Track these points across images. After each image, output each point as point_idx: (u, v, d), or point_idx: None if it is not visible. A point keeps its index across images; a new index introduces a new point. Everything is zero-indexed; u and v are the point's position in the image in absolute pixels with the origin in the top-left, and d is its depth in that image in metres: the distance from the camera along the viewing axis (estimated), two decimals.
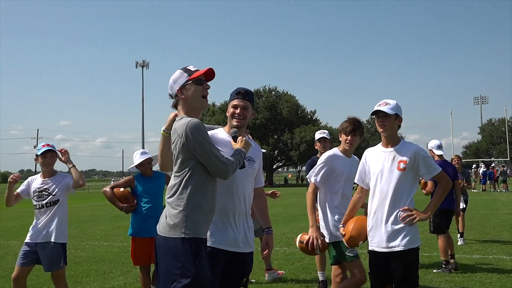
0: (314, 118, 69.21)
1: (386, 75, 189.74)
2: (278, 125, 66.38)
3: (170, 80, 3.16)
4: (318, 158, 5.65)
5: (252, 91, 3.59)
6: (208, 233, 3.17)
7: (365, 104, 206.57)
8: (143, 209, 5.55)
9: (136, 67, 67.37)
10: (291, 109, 64.93)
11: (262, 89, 68.03)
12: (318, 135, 6.65)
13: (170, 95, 3.19)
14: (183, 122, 2.96)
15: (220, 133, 3.52)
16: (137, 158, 5.64)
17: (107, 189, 5.78)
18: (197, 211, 2.92)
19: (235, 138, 3.33)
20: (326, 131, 6.71)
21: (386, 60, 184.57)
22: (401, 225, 3.71)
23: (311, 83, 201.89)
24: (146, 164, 5.62)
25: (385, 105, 3.80)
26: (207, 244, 3.13)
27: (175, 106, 3.18)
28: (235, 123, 3.43)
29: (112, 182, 54.35)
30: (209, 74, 3.18)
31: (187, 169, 2.94)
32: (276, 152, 66.88)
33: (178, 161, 2.97)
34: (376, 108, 3.81)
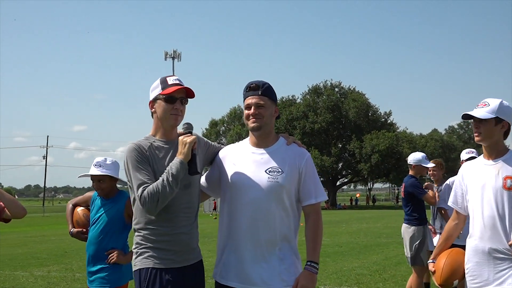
0: (389, 121, 68.34)
1: (486, 68, 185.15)
2: (343, 130, 65.96)
3: (150, 88, 3.45)
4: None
5: (269, 84, 3.48)
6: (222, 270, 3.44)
7: (456, 103, 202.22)
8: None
9: (166, 59, 68.53)
10: (359, 110, 64.39)
11: (323, 85, 67.91)
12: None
13: None
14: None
15: (240, 144, 3.58)
16: (91, 169, 4.95)
17: (70, 203, 5.41)
18: (145, 241, 3.35)
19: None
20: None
21: (487, 51, 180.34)
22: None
23: (385, 78, 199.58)
24: (95, 182, 4.89)
25: (483, 107, 3.71)
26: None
27: (152, 116, 3.49)
28: (251, 126, 3.42)
29: None
30: (188, 93, 3.42)
31: (132, 198, 3.36)
32: (340, 164, 66.38)
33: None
34: (470, 112, 3.73)
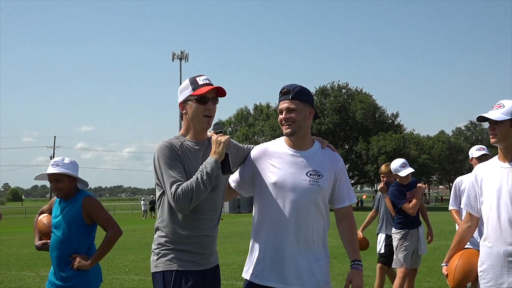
0: (396, 123, 68.22)
1: (494, 70, 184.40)
2: (350, 132, 65.90)
3: (178, 90, 3.48)
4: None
5: (306, 87, 3.55)
6: (254, 271, 3.47)
7: (464, 104, 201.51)
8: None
9: (173, 60, 68.56)
10: (366, 112, 64.32)
11: (330, 86, 67.89)
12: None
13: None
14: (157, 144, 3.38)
15: (275, 145, 3.61)
16: (48, 168, 4.66)
17: (38, 215, 5.11)
18: (169, 242, 3.34)
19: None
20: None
21: (496, 52, 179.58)
22: None
23: (392, 79, 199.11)
24: (53, 182, 4.59)
25: (498, 108, 3.69)
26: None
27: (181, 117, 3.51)
28: (285, 131, 3.48)
29: (142, 201, 53.96)
30: (220, 91, 3.44)
31: (158, 196, 3.40)
32: (347, 166, 66.25)
33: (156, 187, 3.41)
34: (485, 114, 3.71)
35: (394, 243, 7.75)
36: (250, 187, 3.67)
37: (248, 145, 3.78)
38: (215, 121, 3.53)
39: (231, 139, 3.58)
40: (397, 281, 7.67)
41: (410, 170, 7.60)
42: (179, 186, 3.17)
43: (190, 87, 3.39)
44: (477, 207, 3.85)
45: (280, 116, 3.47)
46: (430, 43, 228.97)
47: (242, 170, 3.70)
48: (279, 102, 3.50)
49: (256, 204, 3.63)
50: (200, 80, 3.41)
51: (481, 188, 3.79)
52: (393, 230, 7.81)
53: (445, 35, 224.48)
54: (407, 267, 7.58)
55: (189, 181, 3.19)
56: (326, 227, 3.57)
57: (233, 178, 3.72)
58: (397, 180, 7.73)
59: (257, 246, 3.53)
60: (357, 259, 3.51)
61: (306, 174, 3.43)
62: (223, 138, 3.31)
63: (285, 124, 3.46)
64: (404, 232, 7.62)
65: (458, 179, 6.82)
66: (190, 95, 3.38)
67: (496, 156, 3.83)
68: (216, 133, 3.40)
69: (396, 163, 7.75)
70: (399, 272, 7.64)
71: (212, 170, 3.21)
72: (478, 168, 3.88)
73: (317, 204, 3.46)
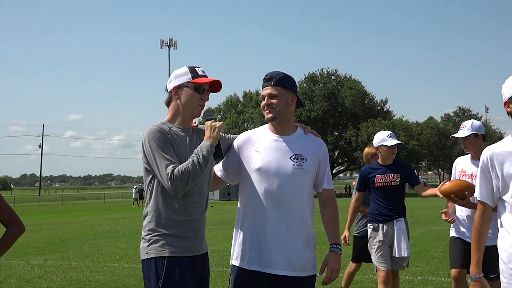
0: (385, 109, 68.40)
1: (483, 56, 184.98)
2: (339, 119, 66.05)
3: (172, 74, 3.51)
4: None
5: (290, 75, 3.59)
6: (241, 254, 3.53)
7: (452, 91, 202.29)
8: None
9: (162, 47, 68.45)
10: (355, 98, 64.47)
11: (319, 73, 67.88)
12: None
13: (166, 89, 3.55)
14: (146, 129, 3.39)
15: (259, 132, 3.67)
16: None
17: None
18: (160, 227, 3.34)
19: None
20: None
21: (484, 39, 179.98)
22: None
23: (381, 66, 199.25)
24: None
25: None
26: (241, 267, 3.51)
27: (167, 103, 3.54)
28: (266, 116, 3.55)
29: (134, 189, 53.78)
30: (215, 86, 3.52)
31: (148, 181, 3.40)
32: (336, 152, 66.54)
33: (143, 173, 3.42)
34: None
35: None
36: (236, 175, 3.72)
37: (231, 135, 3.83)
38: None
39: None
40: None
41: (396, 141, 6.22)
42: (175, 168, 3.20)
43: (189, 74, 3.43)
44: (494, 197, 3.39)
45: (263, 102, 3.54)
46: (419, 29, 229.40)
47: (227, 159, 3.73)
48: (262, 89, 3.57)
49: (241, 191, 3.68)
50: (199, 71, 3.46)
51: (499, 173, 3.32)
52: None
53: (434, 20, 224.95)
54: (386, 269, 6.09)
55: (185, 163, 3.24)
56: (312, 211, 3.62)
57: (219, 167, 3.76)
58: (378, 160, 6.35)
59: (243, 232, 3.57)
60: (336, 242, 3.58)
61: (290, 158, 3.49)
62: (218, 123, 3.40)
63: (266, 110, 3.53)
64: (374, 226, 6.24)
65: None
66: (188, 81, 3.42)
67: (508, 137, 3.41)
68: (207, 120, 3.47)
69: (382, 134, 6.37)
70: (378, 276, 6.25)
71: (208, 153, 3.29)
72: (489, 151, 3.39)
73: (302, 187, 3.51)
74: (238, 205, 3.70)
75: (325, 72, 67.89)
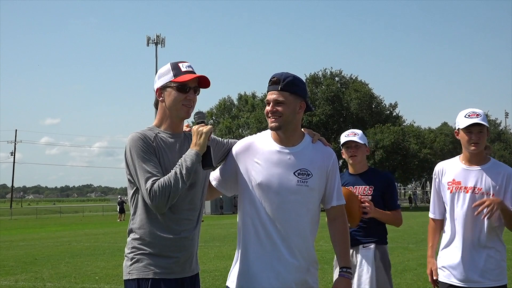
0: (394, 114, 68.55)
1: (501, 57, 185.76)
2: (344, 124, 66.00)
3: (157, 74, 3.47)
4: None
5: (298, 76, 3.50)
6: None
7: (469, 94, 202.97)
8: None
9: (148, 45, 68.54)
10: (362, 102, 64.58)
11: (322, 73, 68.01)
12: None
13: (154, 89, 3.51)
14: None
15: (260, 139, 3.58)
16: None
17: None
18: (144, 246, 3.29)
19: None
20: (359, 132, 5.36)
21: (503, 38, 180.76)
22: None
23: (391, 66, 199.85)
24: None
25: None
26: None
27: (155, 105, 3.51)
28: (269, 125, 3.46)
29: (119, 199, 53.51)
30: (202, 82, 3.45)
31: (131, 194, 3.36)
32: (340, 161, 66.41)
33: (127, 185, 3.40)
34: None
35: None
36: (233, 186, 3.66)
37: (229, 140, 3.78)
38: (195, 111, 3.51)
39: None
40: None
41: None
42: (155, 182, 3.14)
43: (171, 72, 3.38)
44: None
45: (267, 108, 3.44)
46: (432, 26, 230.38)
47: (223, 168, 3.68)
48: (267, 92, 3.47)
49: (240, 206, 3.61)
50: (183, 67, 3.40)
51: None
52: None
53: (449, 17, 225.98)
54: None
55: (166, 176, 3.16)
56: (315, 230, 3.57)
57: (214, 176, 3.70)
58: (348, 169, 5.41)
59: (241, 254, 3.52)
60: (346, 265, 3.52)
61: (294, 173, 3.42)
62: (205, 128, 3.29)
63: (271, 117, 3.43)
64: None
65: None
66: (170, 81, 3.37)
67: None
68: (198, 123, 3.38)
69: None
70: None
71: (193, 163, 3.19)
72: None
73: (307, 207, 3.45)
74: (237, 219, 3.64)
75: (329, 72, 67.99)
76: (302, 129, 3.60)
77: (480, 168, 4.36)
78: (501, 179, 4.31)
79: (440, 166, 4.62)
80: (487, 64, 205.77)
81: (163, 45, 68.92)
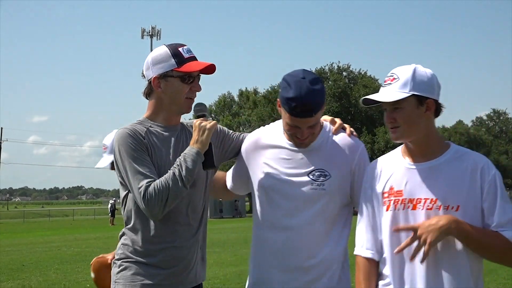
0: None
1: None
2: (352, 122, 65.91)
3: (149, 58, 3.20)
4: None
5: (321, 85, 3.11)
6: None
7: (486, 90, 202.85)
8: None
9: (143, 37, 68.56)
10: None
11: (328, 68, 67.99)
12: None
13: (142, 75, 3.27)
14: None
15: (270, 134, 3.30)
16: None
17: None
18: (134, 254, 3.15)
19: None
20: None
21: None
22: None
23: (401, 60, 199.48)
24: None
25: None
26: None
27: (147, 95, 3.27)
28: (297, 145, 3.17)
29: (109, 206, 53.54)
30: (208, 69, 3.21)
31: (123, 196, 3.23)
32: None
33: (119, 187, 3.28)
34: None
35: None
36: (246, 187, 3.46)
37: (240, 134, 3.55)
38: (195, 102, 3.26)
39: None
40: None
41: None
42: (150, 184, 2.94)
43: (173, 60, 3.13)
44: None
45: (294, 131, 3.08)
46: (446, 19, 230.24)
47: (235, 168, 3.50)
48: (291, 116, 3.02)
49: (253, 207, 3.41)
50: (184, 52, 3.17)
51: None
52: None
53: (465, 11, 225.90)
54: None
55: (163, 178, 2.96)
56: (345, 238, 3.21)
57: (229, 177, 3.55)
58: None
59: (252, 260, 3.35)
60: None
61: (308, 175, 3.10)
62: (209, 124, 3.07)
63: (300, 139, 3.10)
64: None
65: None
66: (173, 70, 3.12)
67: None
68: (198, 117, 3.19)
69: None
70: None
71: (194, 163, 2.97)
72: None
73: (323, 215, 3.11)
74: (252, 228, 3.42)
75: (336, 67, 67.91)
76: (323, 118, 3.29)
77: (432, 165, 2.88)
78: (469, 178, 2.79)
79: (373, 166, 3.12)
80: (504, 58, 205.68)
81: (158, 37, 68.93)
